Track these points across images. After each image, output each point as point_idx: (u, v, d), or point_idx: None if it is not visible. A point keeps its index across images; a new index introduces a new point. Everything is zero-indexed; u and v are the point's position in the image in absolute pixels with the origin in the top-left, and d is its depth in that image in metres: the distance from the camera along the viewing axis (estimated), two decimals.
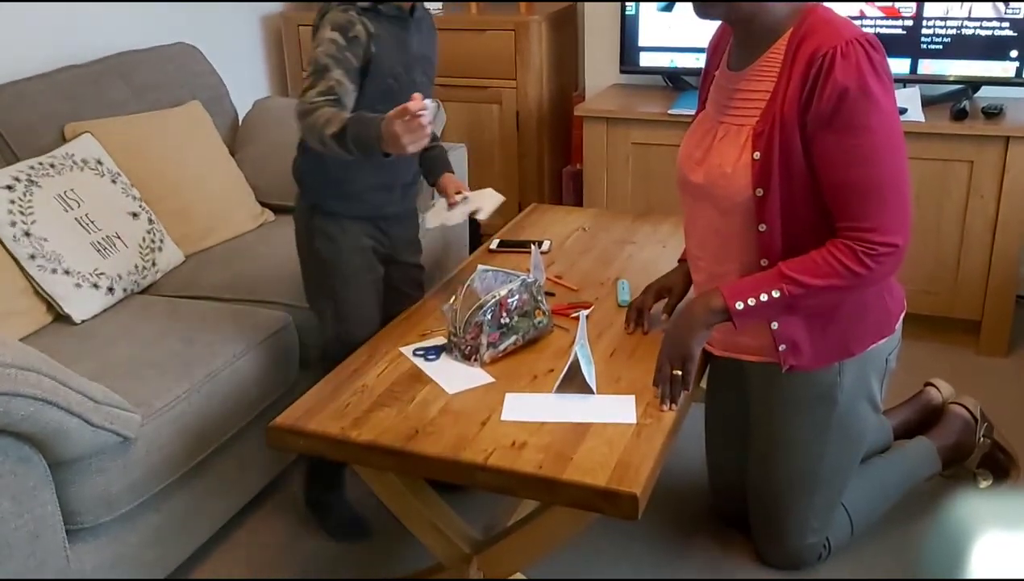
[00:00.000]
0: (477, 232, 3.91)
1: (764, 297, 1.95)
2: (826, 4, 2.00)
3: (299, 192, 2.44)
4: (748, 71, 2.02)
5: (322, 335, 2.46)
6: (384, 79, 2.22)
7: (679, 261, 2.41)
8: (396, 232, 2.51)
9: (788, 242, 1.98)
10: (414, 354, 2.20)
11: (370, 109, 2.12)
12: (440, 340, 2.25)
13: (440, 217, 2.45)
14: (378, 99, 2.18)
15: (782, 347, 2.07)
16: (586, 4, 3.94)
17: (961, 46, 3.29)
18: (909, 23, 3.32)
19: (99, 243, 2.69)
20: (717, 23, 2.16)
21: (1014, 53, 3.23)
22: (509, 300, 2.16)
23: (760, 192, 1.96)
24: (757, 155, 1.95)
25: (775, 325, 2.05)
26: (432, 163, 2.53)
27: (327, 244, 2.38)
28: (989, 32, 3.24)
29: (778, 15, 1.97)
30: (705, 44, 2.28)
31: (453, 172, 2.55)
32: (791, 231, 1.98)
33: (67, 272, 2.59)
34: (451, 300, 2.21)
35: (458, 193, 2.46)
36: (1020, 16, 3.19)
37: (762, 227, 1.99)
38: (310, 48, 2.20)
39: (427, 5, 4.05)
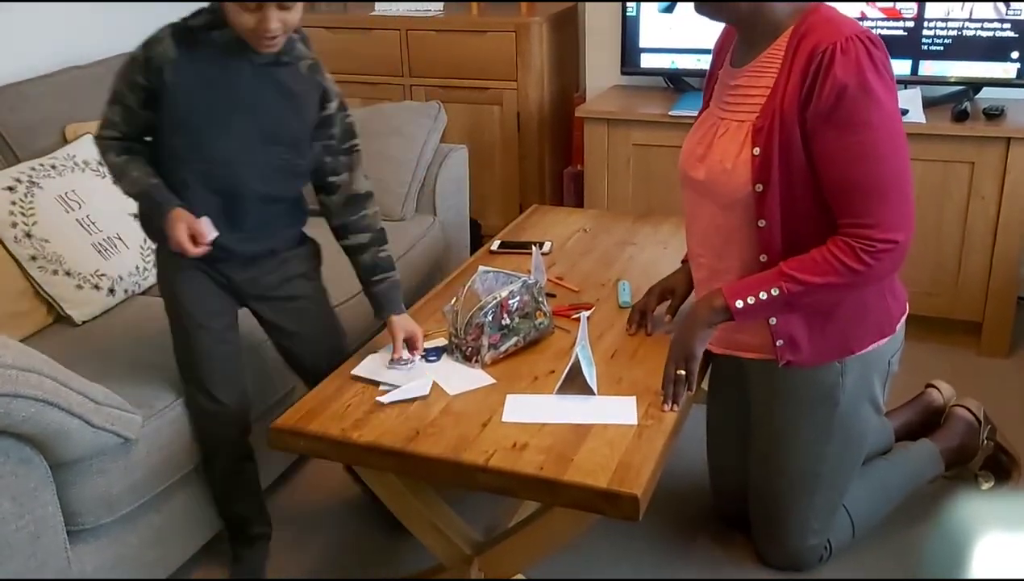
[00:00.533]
0: (478, 233, 3.91)
1: (764, 295, 1.95)
2: (829, 3, 2.00)
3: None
4: (749, 67, 2.02)
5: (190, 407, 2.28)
6: (178, 113, 2.02)
7: (682, 262, 2.41)
8: (249, 276, 2.26)
9: (787, 238, 1.98)
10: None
11: (167, 141, 2.06)
12: (441, 341, 2.25)
13: (373, 370, 2.16)
14: (172, 133, 2.05)
15: (779, 342, 2.07)
16: (587, 5, 3.94)
17: (962, 47, 3.29)
18: (910, 24, 3.32)
19: (100, 244, 2.69)
20: (718, 24, 2.16)
21: (1015, 54, 3.22)
22: (510, 301, 2.16)
23: (760, 188, 1.96)
24: (757, 151, 1.95)
25: (773, 321, 2.05)
26: (379, 298, 2.29)
27: (166, 282, 2.25)
28: (990, 33, 3.23)
29: (780, 14, 1.97)
30: (706, 45, 2.29)
31: (404, 311, 2.28)
32: (790, 227, 1.98)
33: (68, 273, 2.59)
34: (452, 301, 2.21)
35: (408, 346, 2.19)
36: (1021, 17, 3.19)
37: (761, 223, 1.99)
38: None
39: (428, 6, 4.09)
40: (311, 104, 2.13)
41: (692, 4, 1.99)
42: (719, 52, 2.23)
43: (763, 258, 2.02)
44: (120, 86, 2.02)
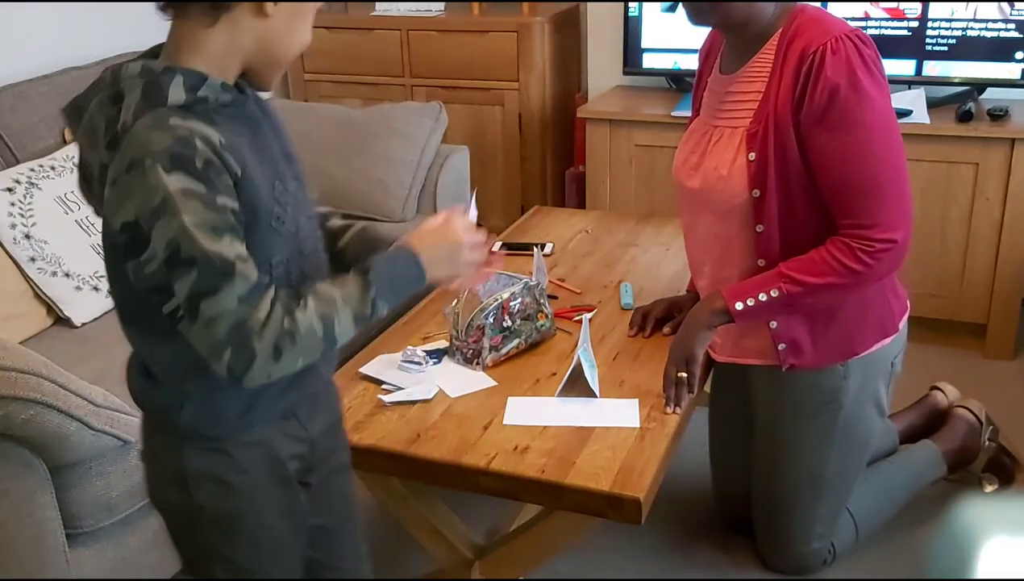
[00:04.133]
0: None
1: (763, 296, 1.94)
2: (831, 4, 2.00)
3: (148, 417, 1.52)
4: (740, 73, 2.01)
5: None
6: (266, 213, 1.33)
7: (687, 290, 2.39)
8: (320, 421, 1.57)
9: (785, 242, 1.98)
10: (415, 355, 2.19)
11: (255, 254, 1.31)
12: (442, 343, 2.24)
13: (381, 369, 2.08)
14: (264, 251, 1.33)
15: (781, 346, 2.06)
16: (589, 5, 3.94)
17: (966, 48, 3.28)
18: (914, 24, 3.31)
19: (99, 246, 2.67)
20: None
21: (1020, 55, 3.21)
22: (511, 303, 2.16)
23: (757, 193, 1.95)
24: (752, 156, 1.95)
25: (774, 324, 2.04)
26: (362, 247, 1.61)
27: (218, 493, 1.45)
28: (995, 33, 3.22)
29: (769, 16, 1.96)
30: None
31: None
32: (788, 231, 1.97)
33: (67, 275, 2.58)
34: (453, 303, 2.20)
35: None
36: None
37: (759, 228, 1.98)
38: (139, 209, 1.23)
39: (429, 6, 4.09)
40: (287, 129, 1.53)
41: (685, 12, 1.98)
42: (706, 57, 2.22)
43: (761, 263, 2.01)
44: (211, 239, 1.23)
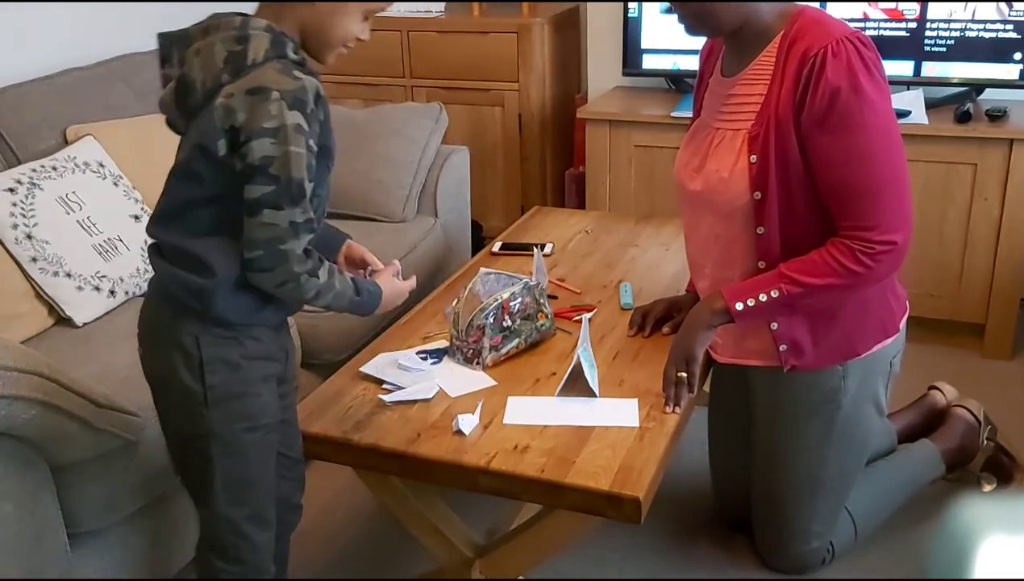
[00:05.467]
0: (479, 235, 3.91)
1: (763, 297, 1.95)
2: (830, 6, 2.00)
3: (162, 290, 1.72)
4: (741, 76, 2.02)
5: (206, 517, 1.81)
6: (333, 150, 1.72)
7: (687, 290, 2.40)
8: (288, 340, 1.90)
9: (786, 243, 1.98)
10: (416, 355, 2.19)
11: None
12: (442, 343, 2.24)
13: (381, 368, 2.14)
14: (321, 180, 1.68)
15: (782, 347, 2.06)
16: (589, 6, 3.94)
17: (965, 48, 3.28)
18: (913, 25, 3.31)
19: (101, 246, 2.68)
20: None
21: (1018, 55, 3.22)
22: (511, 303, 2.16)
23: (758, 195, 1.96)
24: (754, 158, 1.95)
25: (775, 325, 2.05)
26: (331, 237, 1.95)
27: (228, 375, 1.69)
28: (993, 34, 3.23)
29: (767, 20, 1.97)
30: None
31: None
32: (789, 232, 1.98)
33: (69, 275, 2.58)
34: (453, 303, 2.21)
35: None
36: None
37: (760, 230, 1.98)
38: (249, 122, 1.54)
39: (429, 7, 4.09)
40: None
41: (683, 27, 1.99)
42: (707, 58, 2.23)
43: (762, 264, 2.01)
44: (306, 172, 1.57)
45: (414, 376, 2.10)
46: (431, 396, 2.04)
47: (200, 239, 1.65)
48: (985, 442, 2.61)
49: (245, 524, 1.78)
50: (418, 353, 2.21)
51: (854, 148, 1.88)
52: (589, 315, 2.33)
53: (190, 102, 1.62)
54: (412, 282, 1.91)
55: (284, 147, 1.54)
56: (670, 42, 3.63)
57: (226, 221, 1.61)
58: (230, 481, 1.74)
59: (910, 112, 3.21)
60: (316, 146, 1.60)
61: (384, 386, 2.09)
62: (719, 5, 1.93)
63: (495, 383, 2.09)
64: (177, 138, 1.71)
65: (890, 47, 3.29)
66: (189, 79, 1.62)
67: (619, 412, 1.96)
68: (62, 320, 2.60)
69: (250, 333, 1.71)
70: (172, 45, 1.67)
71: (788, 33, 1.94)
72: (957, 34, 3.27)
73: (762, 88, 1.97)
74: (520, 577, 2.11)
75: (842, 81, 1.84)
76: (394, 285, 1.86)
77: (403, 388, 2.06)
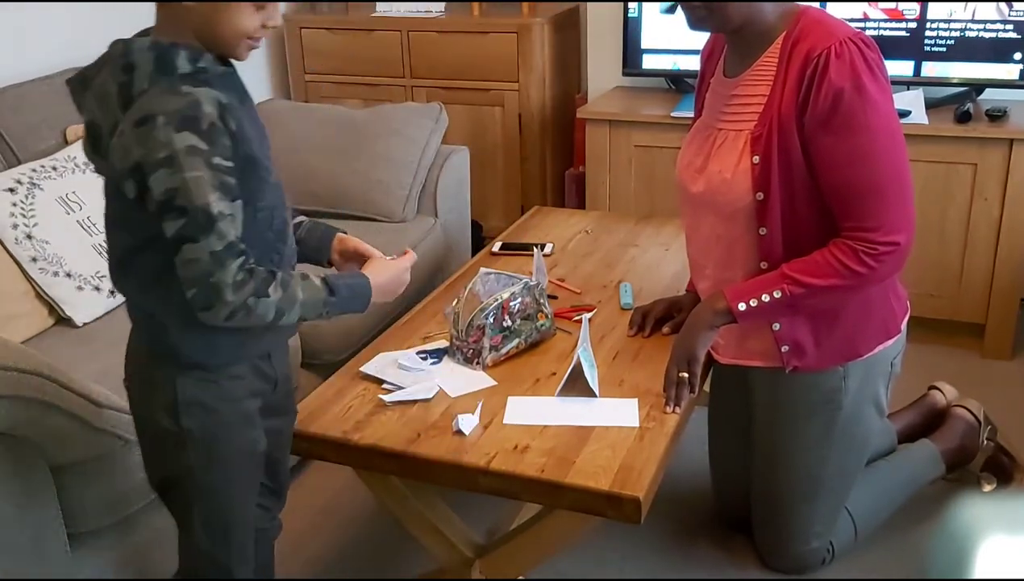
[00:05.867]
0: (479, 235, 3.91)
1: (766, 297, 1.95)
2: (830, 6, 2.00)
3: (138, 336, 1.72)
4: (744, 76, 2.01)
5: (187, 548, 1.81)
6: (258, 163, 1.55)
7: (687, 289, 2.40)
8: (284, 364, 1.83)
9: (788, 244, 1.98)
10: (416, 355, 2.19)
11: (249, 221, 1.53)
12: (442, 343, 2.24)
13: (381, 368, 2.14)
14: (253, 196, 1.55)
15: (784, 348, 2.06)
16: (589, 6, 3.94)
17: (965, 48, 3.28)
18: (913, 25, 3.31)
19: (101, 246, 2.68)
20: None
21: (1018, 55, 3.22)
22: (511, 303, 2.16)
23: (761, 196, 1.96)
24: (756, 159, 1.95)
25: (776, 326, 2.04)
26: (321, 234, 1.90)
27: (205, 419, 1.65)
28: (993, 34, 3.23)
29: (769, 20, 1.96)
30: None
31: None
32: (791, 233, 1.97)
33: (69, 275, 2.59)
34: (453, 303, 2.20)
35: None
36: None
37: (762, 230, 1.98)
38: (144, 157, 1.43)
39: (429, 7, 4.09)
40: None
41: (684, 17, 1.98)
42: (708, 58, 2.22)
43: (764, 265, 2.01)
44: (207, 192, 1.44)
45: (414, 376, 2.10)
46: (431, 396, 2.04)
47: (150, 291, 1.60)
48: (985, 442, 2.61)
49: (225, 560, 1.77)
50: (418, 353, 2.21)
51: (857, 149, 1.88)
52: (589, 315, 2.33)
53: (101, 148, 1.54)
54: (410, 257, 1.83)
55: (180, 175, 1.41)
56: (670, 42, 3.63)
57: (169, 264, 1.50)
58: (210, 521, 1.73)
59: (910, 112, 3.21)
60: (229, 162, 1.46)
61: (384, 386, 2.09)
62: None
63: (495, 383, 2.09)
64: None
65: (890, 47, 3.28)
66: (94, 124, 1.54)
67: (619, 412, 1.96)
68: (62, 320, 2.60)
69: (229, 372, 1.65)
70: (74, 91, 1.59)
71: (791, 33, 1.94)
72: (957, 34, 3.27)
73: (765, 89, 1.97)
74: (520, 577, 2.11)
75: (846, 82, 1.84)
76: (387, 267, 1.79)
77: (403, 388, 2.06)
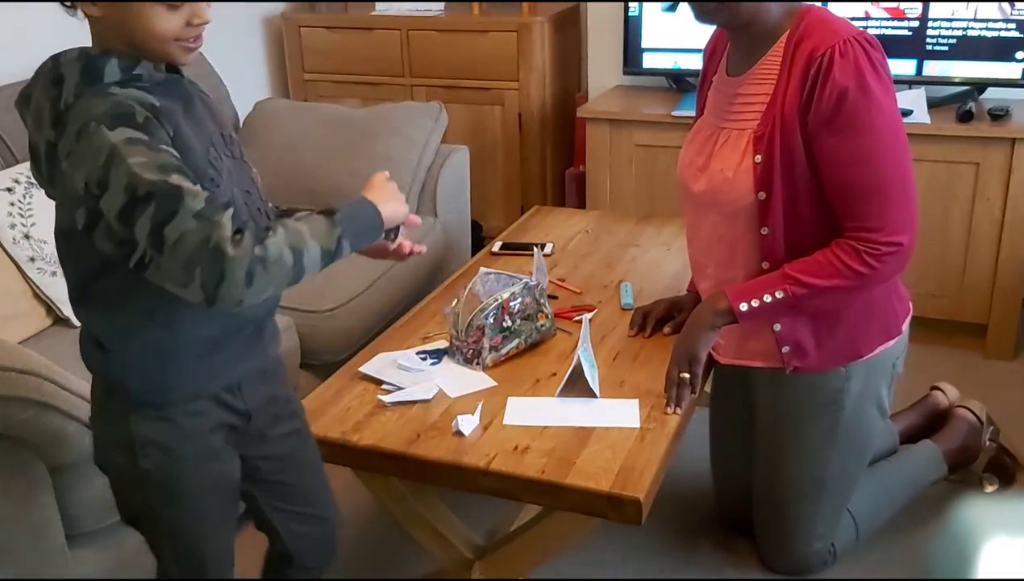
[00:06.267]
0: (479, 234, 3.91)
1: (768, 298, 1.94)
2: (833, 5, 1.99)
3: (96, 381, 1.62)
4: (747, 75, 2.01)
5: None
6: (200, 173, 1.42)
7: (687, 289, 2.39)
8: (262, 394, 1.68)
9: (790, 244, 1.97)
10: (416, 355, 2.19)
11: None
12: (442, 343, 2.24)
13: (380, 369, 2.11)
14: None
15: (785, 349, 2.06)
16: (589, 5, 3.93)
17: (967, 47, 3.27)
18: (915, 24, 3.31)
19: None
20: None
21: (1020, 55, 3.21)
22: (511, 303, 2.15)
23: (763, 195, 1.95)
24: (759, 158, 1.94)
25: (778, 327, 2.04)
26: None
27: (162, 459, 1.55)
28: (995, 33, 3.22)
29: (775, 17, 1.96)
30: None
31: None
32: (793, 233, 1.97)
33: None
34: (453, 303, 2.20)
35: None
36: None
37: (764, 230, 1.98)
38: (89, 172, 1.33)
39: (429, 6, 4.09)
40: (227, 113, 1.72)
41: (691, 9, 1.97)
42: (710, 57, 2.22)
43: (765, 265, 2.01)
44: (154, 174, 1.32)
45: (414, 376, 2.10)
46: (431, 397, 2.03)
47: (108, 319, 1.50)
48: (987, 443, 2.61)
49: None
50: (418, 353, 2.20)
51: (861, 149, 1.87)
52: (589, 315, 2.32)
53: (42, 170, 1.46)
54: (381, 175, 1.64)
55: (125, 165, 1.30)
56: (671, 41, 3.62)
57: (129, 286, 1.42)
58: (181, 558, 1.66)
59: (912, 111, 3.21)
60: (174, 152, 1.36)
61: (383, 386, 2.08)
62: None
63: (495, 383, 2.08)
64: None
65: (892, 46, 3.27)
66: (33, 144, 1.47)
67: (620, 413, 1.95)
68: (60, 320, 2.60)
69: (185, 409, 1.54)
70: (20, 110, 1.52)
71: (794, 32, 1.93)
72: (959, 33, 3.26)
73: (768, 87, 1.96)
74: (520, 578, 2.10)
75: (850, 81, 1.83)
76: (385, 185, 1.62)
77: (403, 388, 2.05)
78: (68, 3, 1.43)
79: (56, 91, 1.40)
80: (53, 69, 1.42)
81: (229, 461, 1.64)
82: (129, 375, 1.52)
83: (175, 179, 1.32)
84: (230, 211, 1.34)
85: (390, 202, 1.59)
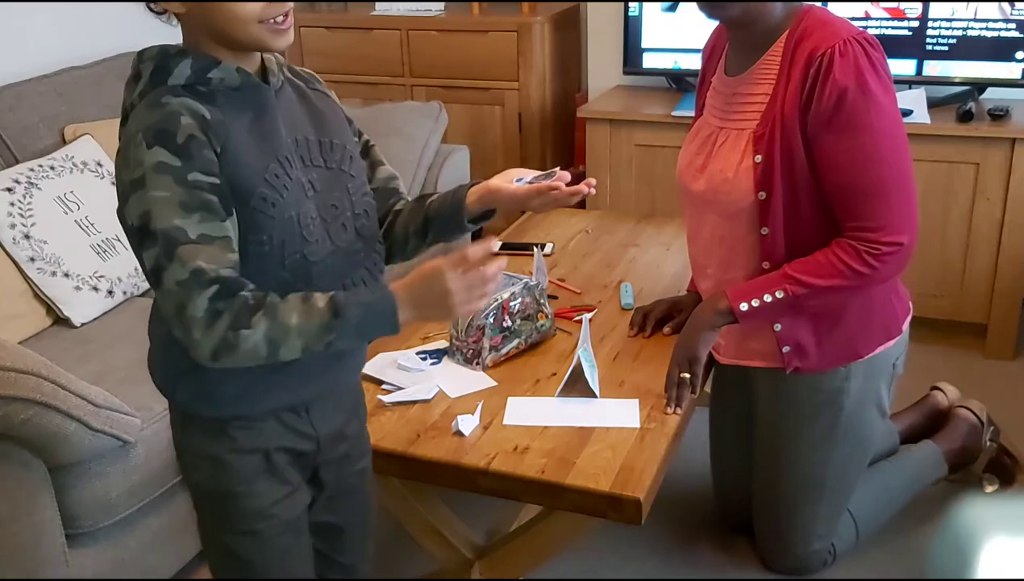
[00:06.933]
0: (479, 234, 3.90)
1: (768, 298, 1.94)
2: (833, 4, 1.99)
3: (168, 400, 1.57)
4: (747, 75, 2.00)
5: None
6: (250, 192, 1.36)
7: (688, 290, 2.39)
8: (335, 421, 1.60)
9: (790, 244, 1.97)
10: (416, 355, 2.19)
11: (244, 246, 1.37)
12: (442, 343, 2.24)
13: (380, 368, 2.12)
14: (249, 229, 1.37)
15: (786, 349, 2.06)
16: (589, 5, 3.93)
17: (967, 47, 3.27)
18: (915, 24, 3.31)
19: (99, 245, 2.68)
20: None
21: (1020, 55, 3.21)
22: (511, 303, 2.15)
23: (763, 195, 1.95)
24: (758, 158, 1.94)
25: (778, 327, 2.04)
26: (452, 204, 1.69)
27: (213, 473, 1.49)
28: (995, 33, 3.22)
29: (776, 17, 1.96)
30: None
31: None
32: (793, 233, 1.97)
33: (67, 275, 2.58)
34: None
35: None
36: None
37: (764, 230, 1.98)
38: (123, 185, 1.33)
39: (429, 6, 4.08)
40: (342, 118, 1.67)
41: (700, 4, 1.96)
42: (709, 57, 2.21)
43: (765, 265, 2.01)
44: (170, 216, 1.29)
45: (414, 376, 2.10)
46: (431, 397, 2.03)
47: (159, 326, 1.47)
48: (988, 443, 2.61)
49: None
50: (418, 353, 2.20)
51: (861, 149, 1.87)
52: (589, 315, 2.32)
53: None
54: (496, 266, 1.39)
55: (146, 195, 1.28)
56: (671, 41, 3.62)
57: None
58: None
59: (912, 111, 3.20)
60: (213, 177, 1.31)
61: (383, 386, 2.08)
62: None
63: (495, 384, 2.08)
64: None
65: (892, 46, 3.27)
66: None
67: (620, 413, 1.95)
68: (60, 320, 2.60)
69: (238, 424, 1.47)
70: None
71: (794, 32, 1.93)
72: (959, 33, 3.26)
73: (767, 87, 1.96)
74: (520, 578, 2.10)
75: (850, 81, 1.83)
76: (434, 277, 1.39)
77: (402, 388, 2.05)
78: (152, 5, 1.39)
79: (131, 89, 1.39)
80: (136, 65, 1.40)
81: (297, 487, 1.54)
82: (174, 384, 1.48)
83: (178, 228, 1.28)
84: (211, 290, 1.28)
85: (426, 309, 1.41)
